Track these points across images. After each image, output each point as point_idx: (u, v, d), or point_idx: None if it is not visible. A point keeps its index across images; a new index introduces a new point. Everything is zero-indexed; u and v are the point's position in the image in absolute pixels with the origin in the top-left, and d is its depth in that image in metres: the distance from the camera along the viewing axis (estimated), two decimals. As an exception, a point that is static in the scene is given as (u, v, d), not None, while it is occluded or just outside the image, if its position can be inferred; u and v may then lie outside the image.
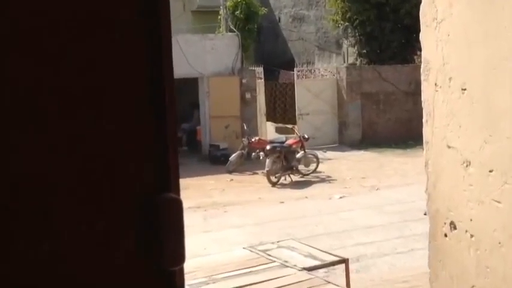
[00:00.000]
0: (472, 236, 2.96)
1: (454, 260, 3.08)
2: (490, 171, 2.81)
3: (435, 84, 3.14)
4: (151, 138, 1.07)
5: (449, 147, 3.07)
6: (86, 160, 1.02)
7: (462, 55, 2.95)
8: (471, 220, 2.96)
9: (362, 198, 10.96)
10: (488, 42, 2.78)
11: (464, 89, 2.95)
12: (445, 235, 3.14)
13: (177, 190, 1.10)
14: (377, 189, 11.81)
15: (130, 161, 1.06)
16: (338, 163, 15.25)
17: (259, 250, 5.53)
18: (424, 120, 3.26)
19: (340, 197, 11.17)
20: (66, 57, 1.00)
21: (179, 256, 1.10)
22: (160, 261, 1.07)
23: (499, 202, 2.78)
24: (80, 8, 1.02)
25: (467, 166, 2.96)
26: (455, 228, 3.07)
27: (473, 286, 2.98)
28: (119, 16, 1.05)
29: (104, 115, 1.04)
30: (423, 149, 3.30)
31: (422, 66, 3.25)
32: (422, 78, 3.24)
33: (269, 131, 18.51)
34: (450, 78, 3.03)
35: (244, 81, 16.64)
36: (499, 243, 2.79)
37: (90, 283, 1.03)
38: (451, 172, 3.06)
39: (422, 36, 3.24)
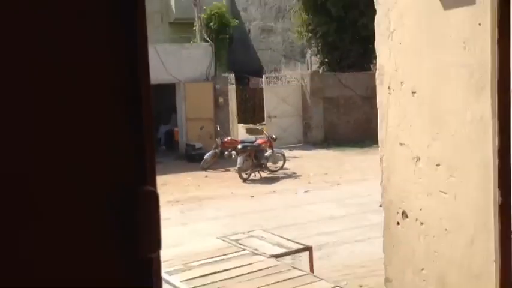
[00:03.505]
0: (421, 224, 2.99)
1: (406, 245, 3.11)
2: (438, 165, 2.85)
3: (388, 88, 3.16)
4: (129, 135, 1.08)
5: (401, 144, 3.10)
6: (68, 154, 1.02)
7: (412, 61, 2.97)
8: (421, 210, 2.99)
9: (324, 193, 10.99)
10: (435, 49, 2.81)
11: (414, 92, 2.97)
12: (398, 223, 3.17)
13: (153, 183, 1.10)
14: (338, 184, 11.84)
15: (110, 155, 1.06)
16: (303, 161, 15.27)
17: (232, 240, 5.50)
18: (379, 121, 3.27)
19: (305, 192, 11.18)
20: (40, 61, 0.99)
21: (155, 243, 1.09)
22: (138, 248, 1.07)
23: (445, 193, 2.81)
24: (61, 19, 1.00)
25: (417, 161, 2.99)
26: (406, 217, 3.10)
27: (422, 269, 3.01)
28: (96, 29, 1.04)
29: (84, 115, 1.04)
30: (379, 146, 3.31)
31: (377, 72, 3.26)
32: (377, 82, 3.25)
33: (240, 132, 18.48)
34: (402, 82, 3.05)
35: (217, 86, 16.61)
36: (446, 230, 2.83)
37: (69, 272, 1.01)
38: (402, 167, 3.09)
39: (377, 45, 3.23)
